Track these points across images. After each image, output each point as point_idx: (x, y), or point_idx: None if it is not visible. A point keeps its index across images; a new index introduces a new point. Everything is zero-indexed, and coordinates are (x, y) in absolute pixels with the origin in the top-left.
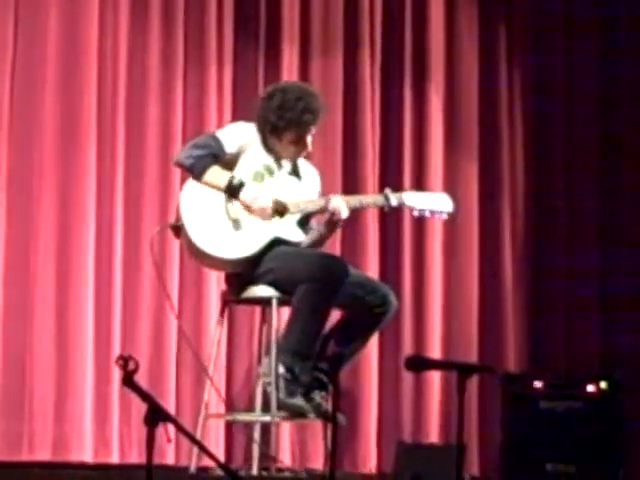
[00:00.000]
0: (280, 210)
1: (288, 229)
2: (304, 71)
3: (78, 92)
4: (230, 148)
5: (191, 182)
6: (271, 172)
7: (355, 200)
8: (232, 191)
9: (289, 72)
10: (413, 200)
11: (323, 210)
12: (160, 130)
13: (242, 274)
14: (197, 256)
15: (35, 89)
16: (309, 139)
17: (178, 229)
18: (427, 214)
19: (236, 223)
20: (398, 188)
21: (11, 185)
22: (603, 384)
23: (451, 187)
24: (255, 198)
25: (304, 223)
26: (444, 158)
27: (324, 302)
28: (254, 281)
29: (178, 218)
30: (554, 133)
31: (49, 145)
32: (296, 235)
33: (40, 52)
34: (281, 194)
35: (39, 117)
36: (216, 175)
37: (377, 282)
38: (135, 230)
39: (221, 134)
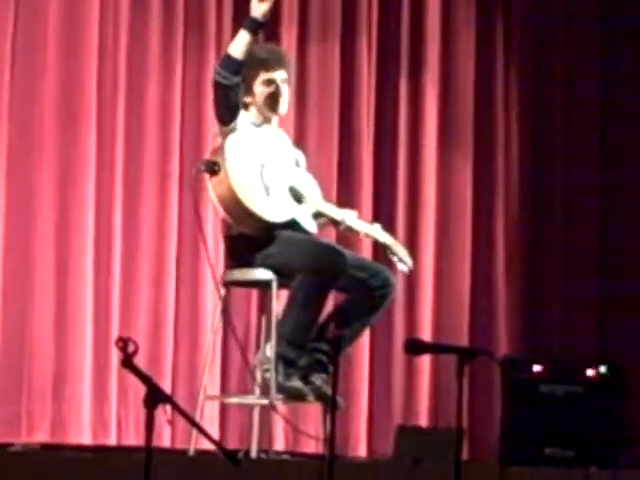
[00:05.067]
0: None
1: (306, 217)
2: (301, 56)
3: (79, 73)
4: None
5: (235, 136)
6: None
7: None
8: (254, 24)
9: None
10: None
11: (337, 224)
12: (159, 111)
13: (243, 254)
14: (228, 202)
15: (35, 70)
16: (280, 84)
17: (215, 165)
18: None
19: (267, 189)
20: (392, 175)
21: (11, 166)
22: (603, 368)
23: (445, 176)
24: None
25: (316, 217)
26: (438, 148)
27: (320, 294)
28: (252, 263)
29: (218, 157)
30: (551, 125)
31: (49, 126)
32: (310, 226)
33: (40, 33)
34: (298, 184)
35: (39, 98)
36: (235, 42)
37: (378, 264)
38: (134, 211)
39: None
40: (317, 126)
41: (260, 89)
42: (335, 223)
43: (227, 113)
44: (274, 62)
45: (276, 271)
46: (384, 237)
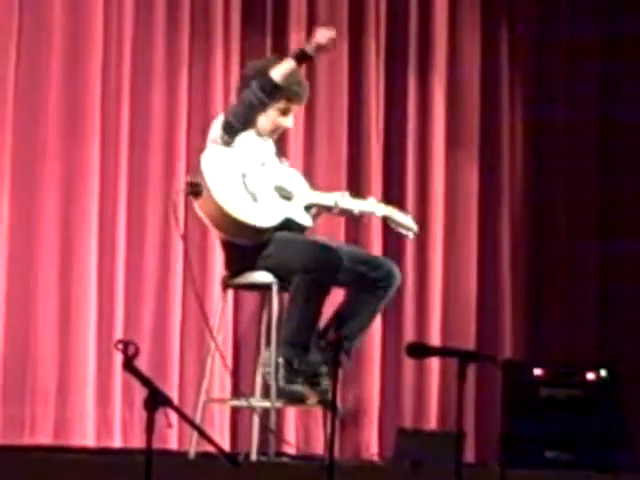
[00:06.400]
0: (285, 195)
1: (299, 212)
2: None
3: (83, 79)
4: None
5: (209, 152)
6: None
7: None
8: (302, 55)
9: None
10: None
11: (330, 209)
12: (164, 118)
13: (242, 257)
14: (216, 218)
15: (40, 76)
16: (292, 116)
17: (197, 186)
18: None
19: (253, 196)
20: (401, 176)
21: (15, 171)
22: (603, 372)
23: (452, 178)
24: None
25: (309, 208)
26: (445, 149)
27: (318, 292)
28: (254, 266)
29: (198, 178)
30: (555, 127)
31: (53, 132)
32: (305, 220)
33: (45, 39)
34: (284, 181)
35: (43, 104)
36: (279, 67)
37: (382, 258)
38: (138, 214)
39: None
40: (326, 127)
41: (273, 114)
42: (328, 209)
43: (242, 127)
44: (300, 98)
45: (274, 272)
46: (380, 210)
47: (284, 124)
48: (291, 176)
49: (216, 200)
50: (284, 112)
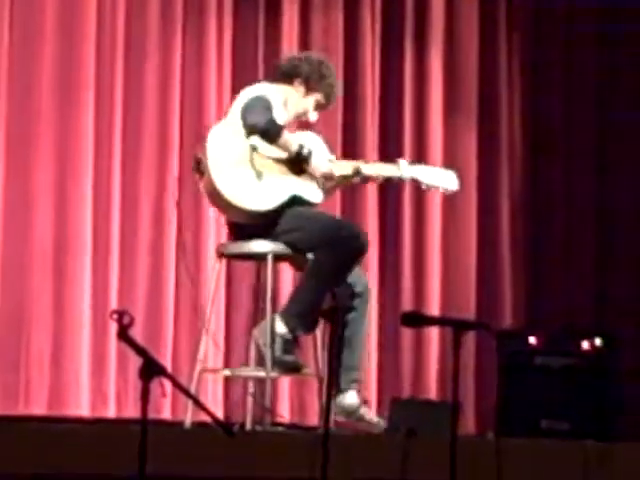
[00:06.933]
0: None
1: (308, 188)
2: (304, 28)
3: (77, 44)
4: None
5: (220, 126)
6: None
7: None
8: (303, 158)
9: (289, 28)
10: (423, 174)
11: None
12: (158, 91)
13: (248, 226)
14: (214, 198)
15: (33, 40)
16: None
17: (199, 164)
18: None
19: (259, 174)
20: (398, 145)
21: (9, 136)
22: (599, 341)
23: (450, 145)
24: (326, 165)
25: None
26: (443, 116)
27: (336, 271)
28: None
29: (201, 155)
30: (552, 90)
31: (47, 98)
32: (316, 196)
33: (39, 2)
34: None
35: (37, 68)
36: (287, 140)
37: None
38: (133, 183)
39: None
40: None
41: (310, 104)
42: (347, 178)
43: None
44: (332, 102)
45: (296, 248)
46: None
47: (309, 116)
48: (311, 143)
49: (214, 181)
50: (317, 106)
